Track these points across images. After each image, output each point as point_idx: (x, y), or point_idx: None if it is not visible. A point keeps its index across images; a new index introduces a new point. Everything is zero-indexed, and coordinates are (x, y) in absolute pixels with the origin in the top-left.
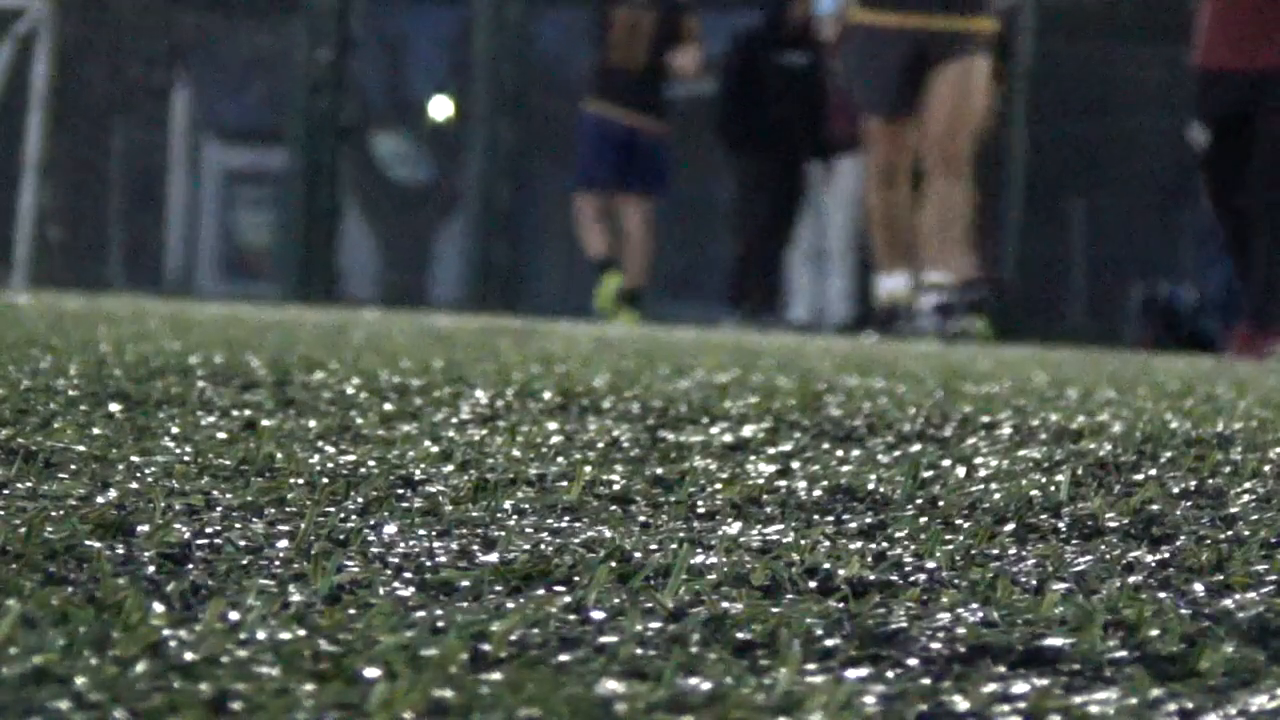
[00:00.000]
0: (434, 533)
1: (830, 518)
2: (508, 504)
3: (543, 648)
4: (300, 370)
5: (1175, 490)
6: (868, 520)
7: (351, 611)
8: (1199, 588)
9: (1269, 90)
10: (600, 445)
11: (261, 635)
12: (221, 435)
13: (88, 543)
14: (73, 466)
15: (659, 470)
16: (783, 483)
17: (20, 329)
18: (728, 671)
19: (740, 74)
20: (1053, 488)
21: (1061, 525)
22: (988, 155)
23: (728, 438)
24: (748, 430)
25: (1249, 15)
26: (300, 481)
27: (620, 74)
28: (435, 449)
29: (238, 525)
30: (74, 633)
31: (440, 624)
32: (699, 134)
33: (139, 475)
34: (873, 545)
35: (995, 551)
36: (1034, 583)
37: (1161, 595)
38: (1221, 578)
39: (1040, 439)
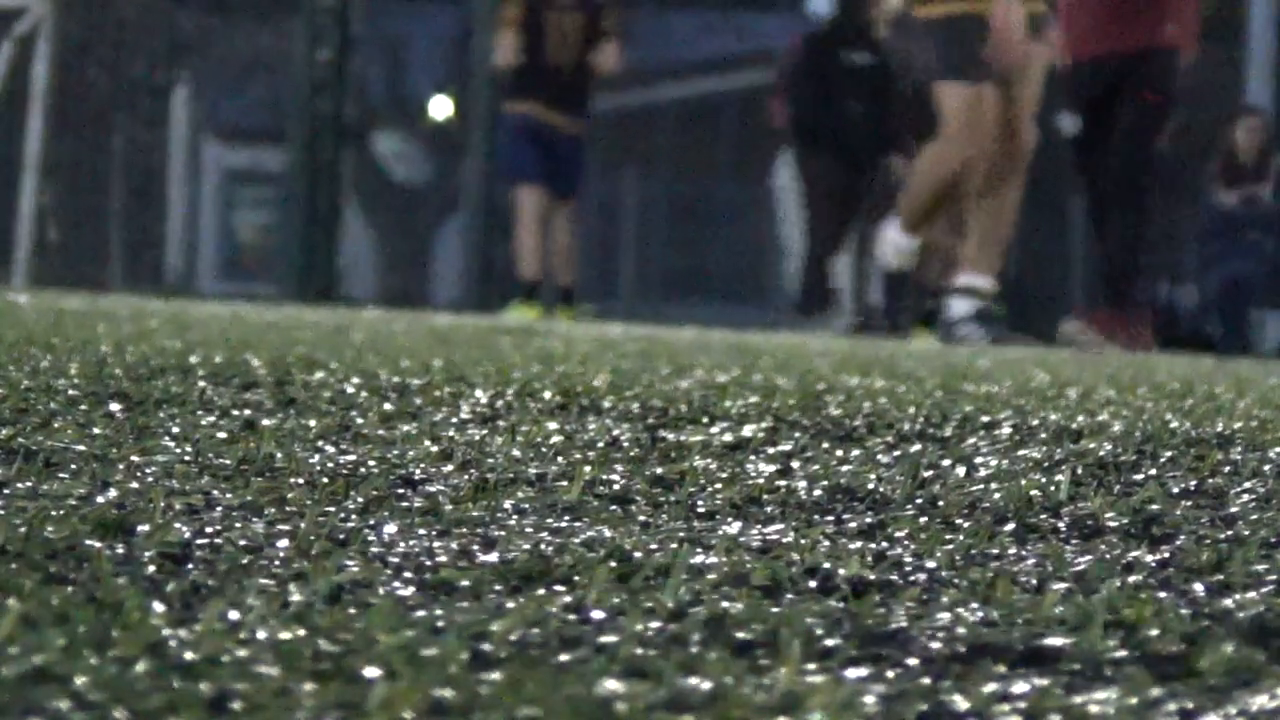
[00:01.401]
0: (434, 532)
1: (830, 517)
2: (508, 504)
3: (543, 648)
4: (300, 370)
5: (1175, 490)
6: (868, 520)
7: (351, 611)
8: (1199, 588)
9: (1131, 73)
10: (600, 445)
11: (261, 635)
12: (221, 435)
13: (88, 542)
14: (73, 466)
15: (659, 470)
16: (783, 482)
17: (20, 329)
18: (728, 671)
19: (808, 74)
20: (1053, 487)
21: (1061, 525)
22: None
23: (728, 437)
24: (748, 430)
25: (1103, 2)
26: (300, 481)
27: (548, 75)
28: (435, 449)
29: (238, 525)
30: (74, 632)
31: (440, 624)
32: (699, 135)
33: (139, 475)
34: (873, 545)
35: (995, 551)
36: (1034, 582)
37: (1161, 595)
38: (1221, 578)
39: (1040, 439)
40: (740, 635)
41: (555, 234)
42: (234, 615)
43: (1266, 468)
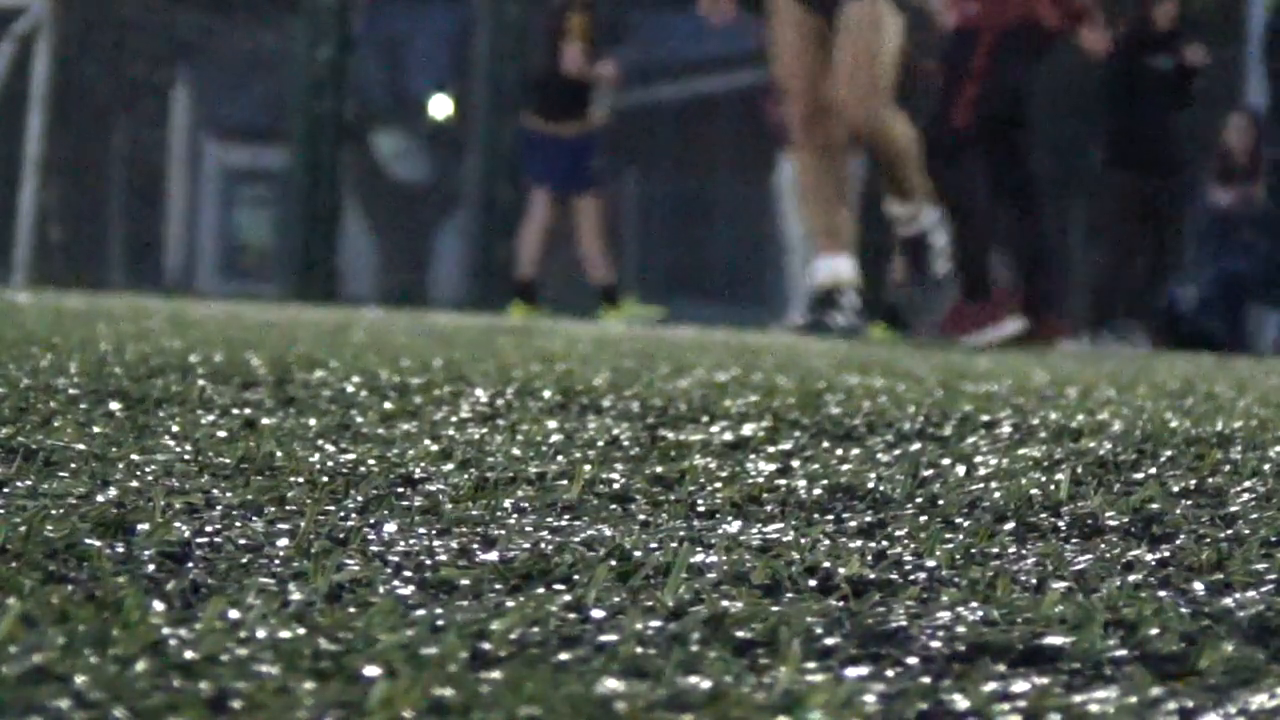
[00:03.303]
0: (434, 531)
1: (830, 516)
2: (508, 502)
3: (543, 646)
4: (300, 369)
5: (1175, 489)
6: (867, 519)
7: (351, 610)
8: (1199, 587)
9: (957, 49)
10: (600, 444)
11: (261, 634)
12: (221, 434)
13: (88, 541)
14: (73, 465)
15: (659, 469)
16: (783, 481)
17: (20, 328)
18: (728, 670)
19: (1118, 83)
20: (1052, 486)
21: (1061, 524)
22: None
23: (728, 436)
24: (748, 429)
25: None
26: (300, 480)
27: (537, 84)
28: (435, 447)
29: (238, 524)
30: (74, 631)
31: (440, 623)
32: (699, 135)
33: (139, 473)
34: (872, 544)
35: (995, 550)
36: (1034, 581)
37: (1161, 594)
38: (1221, 577)
39: (1040, 437)
40: (740, 634)
41: (579, 236)
42: (234, 614)
43: (1266, 467)
